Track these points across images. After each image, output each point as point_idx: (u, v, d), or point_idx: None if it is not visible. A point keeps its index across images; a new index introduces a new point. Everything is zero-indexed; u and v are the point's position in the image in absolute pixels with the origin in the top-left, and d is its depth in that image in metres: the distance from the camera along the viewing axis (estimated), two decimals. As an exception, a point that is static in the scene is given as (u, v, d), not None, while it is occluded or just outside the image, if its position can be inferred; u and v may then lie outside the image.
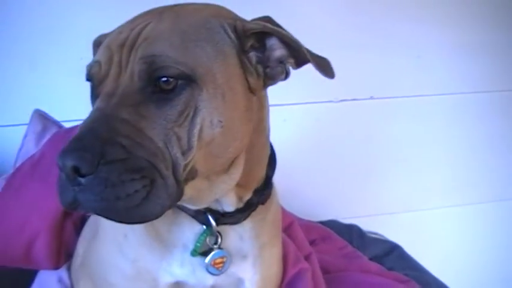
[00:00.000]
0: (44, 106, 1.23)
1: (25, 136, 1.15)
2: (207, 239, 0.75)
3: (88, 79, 0.65)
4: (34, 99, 1.29)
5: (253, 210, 0.77)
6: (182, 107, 0.59)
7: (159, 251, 0.76)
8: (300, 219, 1.33)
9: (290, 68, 0.68)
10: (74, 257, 0.94)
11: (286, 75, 0.68)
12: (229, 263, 0.77)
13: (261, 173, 0.76)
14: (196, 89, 0.60)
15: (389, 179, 1.69)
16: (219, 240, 0.75)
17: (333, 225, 1.40)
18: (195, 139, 0.60)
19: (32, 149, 1.12)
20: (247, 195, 0.75)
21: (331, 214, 1.51)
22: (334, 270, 1.13)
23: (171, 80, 0.58)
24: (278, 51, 0.66)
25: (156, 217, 0.58)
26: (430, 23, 1.59)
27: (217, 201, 0.73)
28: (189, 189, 0.63)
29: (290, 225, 1.16)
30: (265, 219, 0.81)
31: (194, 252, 0.75)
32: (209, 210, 0.73)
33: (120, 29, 0.65)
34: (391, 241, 1.39)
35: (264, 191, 0.77)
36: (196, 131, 0.60)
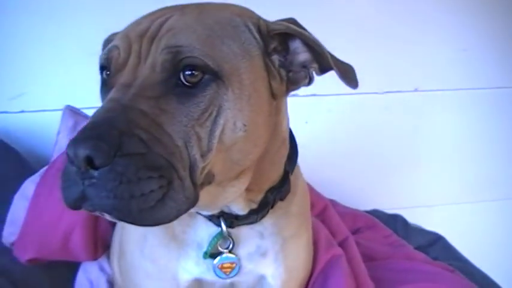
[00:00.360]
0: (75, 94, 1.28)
1: (58, 133, 1.15)
2: (219, 243, 0.73)
3: (103, 66, 0.61)
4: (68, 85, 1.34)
5: (271, 207, 0.74)
6: (206, 105, 0.55)
7: (176, 250, 0.75)
8: (345, 207, 1.36)
9: (314, 73, 0.65)
10: (111, 250, 0.97)
11: (310, 80, 0.65)
12: (238, 269, 0.75)
13: (275, 175, 0.72)
14: (222, 87, 0.56)
15: (430, 171, 1.67)
16: (231, 245, 0.74)
17: (377, 215, 1.41)
18: (215, 141, 0.56)
19: (65, 144, 1.04)
20: (259, 197, 0.71)
21: (372, 204, 1.52)
22: (380, 258, 1.14)
23: (197, 73, 0.55)
24: (302, 55, 0.64)
25: (170, 221, 0.54)
26: (476, 16, 1.56)
27: (227, 206, 0.70)
28: (204, 195, 0.59)
29: (324, 210, 1.15)
30: (289, 212, 0.78)
31: (205, 255, 0.73)
32: (223, 214, 0.71)
33: (138, 21, 0.62)
34: (435, 232, 1.38)
35: (281, 188, 0.73)
36: (218, 132, 0.56)
